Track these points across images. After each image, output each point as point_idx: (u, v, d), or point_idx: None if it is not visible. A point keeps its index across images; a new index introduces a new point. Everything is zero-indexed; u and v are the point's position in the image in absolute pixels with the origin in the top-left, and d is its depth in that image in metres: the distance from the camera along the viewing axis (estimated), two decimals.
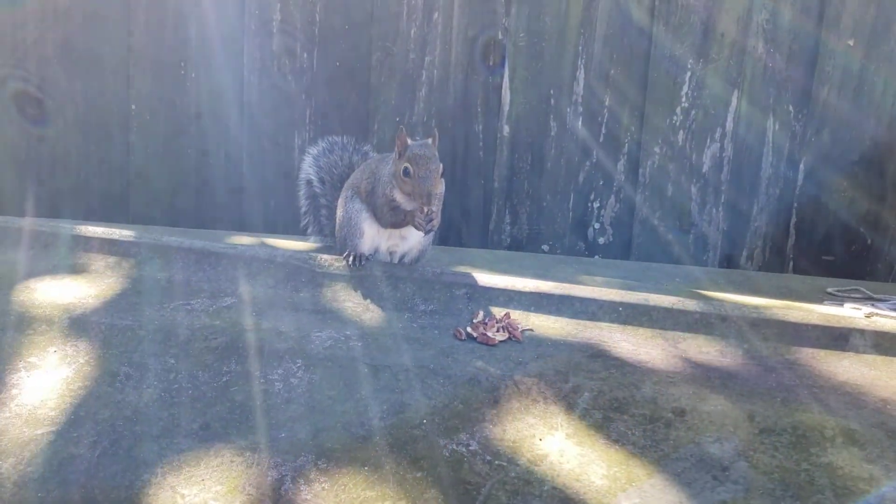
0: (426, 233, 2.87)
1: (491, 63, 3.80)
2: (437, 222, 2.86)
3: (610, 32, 3.73)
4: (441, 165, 2.79)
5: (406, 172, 2.76)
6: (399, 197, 2.83)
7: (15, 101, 3.90)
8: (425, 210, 2.76)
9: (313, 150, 3.41)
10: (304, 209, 3.45)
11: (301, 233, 3.53)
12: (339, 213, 3.06)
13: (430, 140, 2.85)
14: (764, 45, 3.69)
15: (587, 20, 3.72)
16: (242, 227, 3.96)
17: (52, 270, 2.89)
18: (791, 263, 3.84)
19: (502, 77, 3.80)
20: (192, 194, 3.96)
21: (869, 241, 3.77)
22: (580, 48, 3.75)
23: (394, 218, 2.88)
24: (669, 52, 3.73)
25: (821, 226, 3.79)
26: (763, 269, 3.84)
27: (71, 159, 3.94)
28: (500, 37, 3.77)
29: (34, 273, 2.87)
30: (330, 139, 3.41)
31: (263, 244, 3.21)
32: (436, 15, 3.78)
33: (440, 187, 2.82)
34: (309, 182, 3.41)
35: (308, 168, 3.40)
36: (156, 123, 3.91)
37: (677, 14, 3.69)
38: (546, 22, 3.73)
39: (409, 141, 2.83)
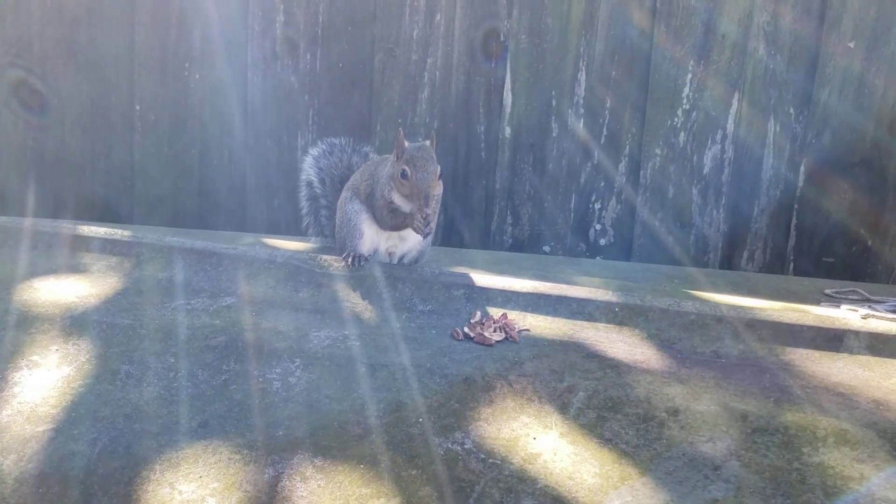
0: (424, 237, 2.90)
1: (493, 64, 3.82)
2: (433, 226, 2.88)
3: (611, 34, 3.74)
4: (439, 167, 2.81)
5: (404, 174, 2.78)
6: (397, 199, 2.85)
7: (17, 100, 3.94)
8: (423, 212, 2.78)
9: (314, 152, 3.43)
10: (304, 210, 3.47)
11: (302, 233, 3.55)
12: (339, 213, 3.09)
13: (428, 142, 2.87)
14: (765, 46, 3.69)
15: (588, 22, 3.74)
16: (244, 228, 3.98)
17: (55, 270, 2.92)
18: (791, 265, 3.84)
19: (504, 78, 3.82)
20: (194, 194, 3.99)
21: (869, 243, 3.77)
22: (581, 50, 3.76)
23: (393, 220, 2.90)
24: (670, 54, 3.74)
25: (821, 228, 3.80)
26: (763, 270, 3.85)
27: (74, 159, 3.97)
28: (501, 38, 3.78)
29: (37, 272, 2.90)
30: (329, 140, 3.44)
31: (264, 245, 3.23)
32: (438, 16, 3.80)
33: (438, 188, 2.84)
34: (310, 183, 3.43)
35: (308, 169, 3.42)
36: (159, 123, 3.94)
37: (678, 16, 3.71)
38: (547, 23, 3.75)
39: (407, 143, 2.85)
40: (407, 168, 2.77)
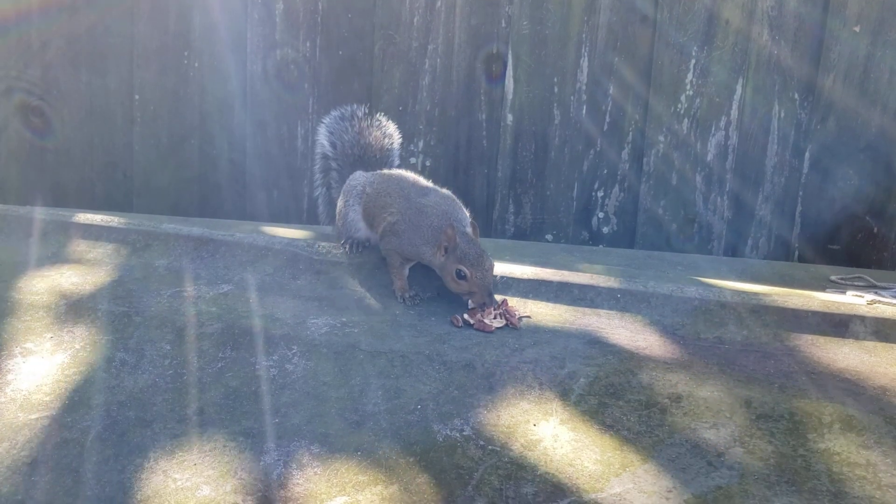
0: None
1: (494, 51, 3.78)
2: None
3: (614, 20, 3.70)
4: (492, 261, 2.68)
5: (460, 275, 2.62)
6: (451, 285, 2.68)
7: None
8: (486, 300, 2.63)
9: (326, 120, 3.37)
10: (317, 181, 3.43)
11: (308, 221, 3.53)
12: (339, 204, 3.05)
13: (470, 229, 2.76)
14: (769, 32, 3.65)
15: (590, 7, 3.70)
16: (244, 216, 3.96)
17: (51, 257, 2.90)
18: (796, 252, 3.80)
19: (505, 65, 3.78)
20: (194, 184, 3.96)
21: (875, 230, 3.73)
22: (583, 36, 3.72)
23: (457, 288, 2.70)
24: (673, 40, 3.70)
25: (826, 214, 3.76)
26: (768, 258, 3.81)
27: (73, 150, 3.94)
28: (502, 24, 3.75)
29: (32, 260, 2.88)
30: (341, 108, 3.37)
31: (262, 232, 3.20)
32: (438, 3, 3.76)
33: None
34: (325, 156, 3.37)
35: (322, 139, 3.36)
36: (158, 113, 3.91)
37: (681, 1, 3.66)
38: (549, 10, 3.71)
39: (458, 238, 2.66)
40: (464, 269, 2.61)
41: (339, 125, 3.34)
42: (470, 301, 2.63)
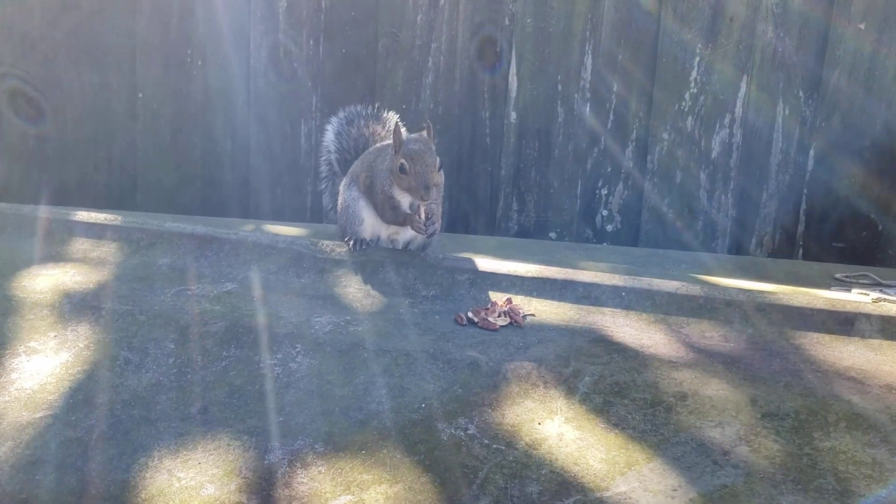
0: (427, 236, 2.84)
1: (497, 49, 3.77)
2: (438, 226, 2.84)
3: (617, 17, 3.69)
4: (438, 158, 2.77)
5: (402, 169, 2.73)
6: (397, 193, 2.81)
7: (14, 96, 3.91)
8: (424, 212, 2.75)
9: (334, 120, 3.37)
10: (323, 174, 3.44)
11: (311, 218, 3.52)
12: (340, 199, 3.05)
13: (425, 132, 2.83)
14: (773, 29, 3.64)
15: (594, 4, 3.69)
16: (247, 213, 3.95)
17: (54, 256, 2.89)
18: (801, 250, 3.80)
19: (509, 63, 3.77)
20: (198, 183, 3.96)
21: (880, 227, 3.72)
22: (587, 33, 3.71)
23: (394, 217, 2.86)
24: (678, 37, 3.69)
25: (831, 212, 3.75)
26: (773, 255, 3.81)
27: (77, 149, 3.94)
28: (506, 22, 3.74)
29: (36, 259, 2.87)
30: (348, 109, 3.38)
31: (266, 230, 3.20)
32: (442, 1, 3.75)
33: (438, 179, 2.80)
34: (328, 150, 3.38)
35: (329, 135, 3.36)
36: (162, 112, 3.91)
37: None
38: (553, 7, 3.70)
39: (406, 135, 2.81)
40: (405, 162, 2.72)
41: (345, 127, 3.34)
42: (473, 306, 2.65)
